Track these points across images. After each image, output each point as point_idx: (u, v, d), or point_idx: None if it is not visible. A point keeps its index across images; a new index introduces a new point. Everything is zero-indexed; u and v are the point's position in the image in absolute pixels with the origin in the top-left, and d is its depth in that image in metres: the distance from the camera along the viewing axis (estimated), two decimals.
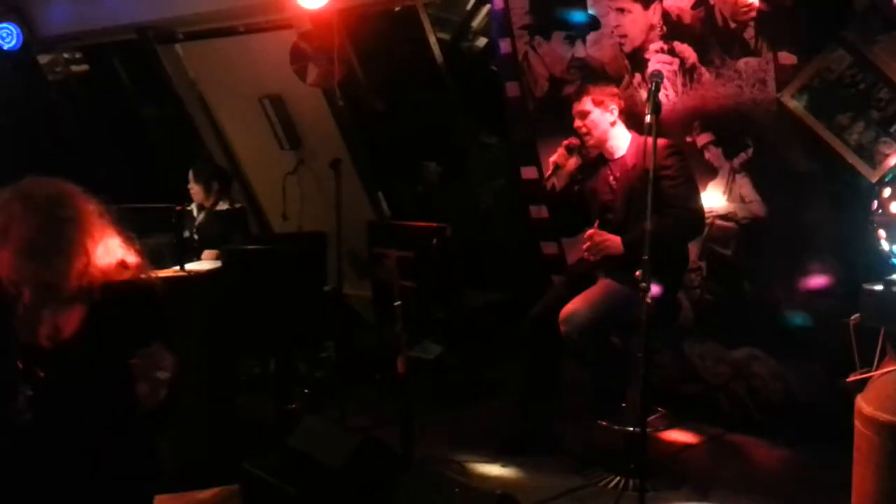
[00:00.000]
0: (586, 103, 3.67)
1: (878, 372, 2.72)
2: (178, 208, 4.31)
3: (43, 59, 7.28)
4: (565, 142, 3.73)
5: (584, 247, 3.67)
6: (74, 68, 7.49)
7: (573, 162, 3.76)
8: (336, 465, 3.05)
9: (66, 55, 7.39)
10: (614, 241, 3.57)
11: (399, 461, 3.29)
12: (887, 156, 3.33)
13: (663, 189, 3.42)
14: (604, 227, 3.69)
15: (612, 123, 3.70)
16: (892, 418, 2.58)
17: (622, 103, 3.72)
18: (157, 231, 4.91)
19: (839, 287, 3.65)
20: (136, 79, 6.97)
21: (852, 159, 3.42)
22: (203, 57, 6.27)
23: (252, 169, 6.58)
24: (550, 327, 3.58)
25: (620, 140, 3.72)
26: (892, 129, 3.32)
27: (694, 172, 3.68)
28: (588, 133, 3.70)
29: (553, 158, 3.75)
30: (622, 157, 3.72)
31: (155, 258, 4.16)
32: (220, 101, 6.43)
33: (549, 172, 3.76)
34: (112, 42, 6.72)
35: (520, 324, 3.81)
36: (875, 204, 2.81)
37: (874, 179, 3.32)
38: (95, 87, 7.41)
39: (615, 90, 3.75)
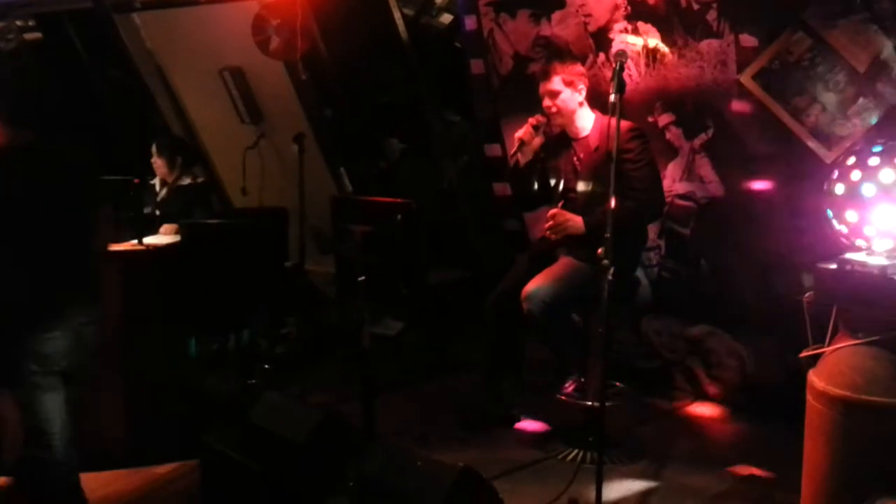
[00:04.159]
0: (556, 83, 3.66)
1: (830, 348, 2.79)
2: (135, 181, 4.22)
3: None
4: (532, 119, 3.73)
5: (547, 226, 3.70)
6: (28, 36, 7.27)
7: (538, 140, 3.77)
8: (298, 439, 3.04)
9: (18, 23, 7.16)
10: (576, 221, 3.61)
11: (361, 436, 3.30)
12: (843, 138, 3.40)
13: (625, 172, 3.45)
14: (567, 206, 3.72)
15: (580, 104, 3.70)
16: (843, 392, 2.66)
17: (588, 83, 3.74)
18: (114, 204, 4.82)
19: (794, 265, 3.74)
20: (91, 48, 6.79)
21: (809, 141, 3.49)
22: (161, 27, 6.13)
23: (211, 142, 6.48)
24: (513, 304, 3.61)
25: (585, 120, 3.74)
26: (848, 112, 3.38)
27: (655, 156, 3.72)
28: (557, 113, 3.70)
29: (519, 134, 3.76)
30: (586, 137, 3.74)
31: (112, 232, 4.12)
32: (179, 72, 6.30)
33: (515, 148, 3.77)
34: (67, 10, 6.53)
35: (483, 301, 3.83)
36: (830, 185, 2.86)
37: (829, 161, 3.39)
38: (49, 56, 7.20)
39: (582, 69, 3.75)
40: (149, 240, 4.12)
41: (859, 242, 2.79)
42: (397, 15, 5.09)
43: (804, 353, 2.89)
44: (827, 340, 2.83)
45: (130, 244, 3.91)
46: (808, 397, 2.81)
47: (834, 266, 2.76)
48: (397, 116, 5.85)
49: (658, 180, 3.67)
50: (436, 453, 3.64)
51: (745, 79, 3.59)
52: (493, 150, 4.72)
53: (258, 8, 5.20)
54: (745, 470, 3.50)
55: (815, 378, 2.79)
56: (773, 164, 3.72)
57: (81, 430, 3.63)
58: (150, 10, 6.08)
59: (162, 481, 3.56)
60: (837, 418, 2.67)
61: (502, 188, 4.76)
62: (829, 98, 3.42)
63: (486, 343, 3.87)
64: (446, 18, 5.70)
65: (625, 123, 3.42)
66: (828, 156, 3.42)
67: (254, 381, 4.20)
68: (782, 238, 3.78)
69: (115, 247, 3.86)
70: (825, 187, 2.86)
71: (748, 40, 3.61)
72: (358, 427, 3.36)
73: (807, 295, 2.84)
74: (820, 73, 3.43)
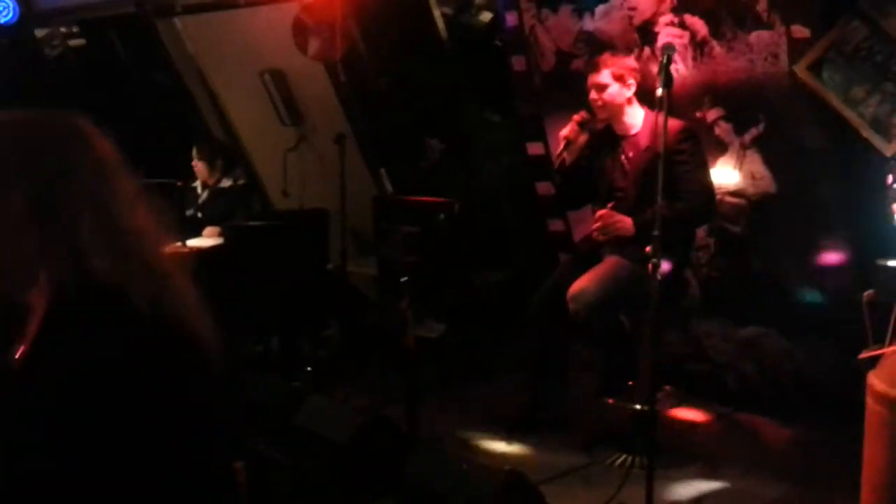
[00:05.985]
0: (605, 76, 3.56)
1: (891, 348, 2.69)
2: (179, 183, 4.25)
3: (39, 33, 7.18)
4: (576, 116, 3.66)
5: (595, 226, 3.63)
6: (72, 42, 7.39)
7: (584, 137, 3.70)
8: (342, 442, 3.02)
9: (63, 29, 7.28)
10: (625, 222, 3.53)
11: (405, 439, 3.26)
12: None
13: (677, 174, 3.36)
14: (615, 206, 3.64)
15: (629, 100, 3.60)
16: None
17: (639, 78, 3.63)
18: (157, 207, 4.86)
19: (851, 263, 3.61)
20: (134, 53, 6.88)
21: (867, 133, 3.37)
22: (202, 31, 6.17)
23: (252, 145, 6.51)
24: (558, 305, 3.54)
25: (635, 117, 3.64)
26: None
27: (707, 156, 3.62)
28: (603, 107, 3.61)
29: (564, 133, 3.68)
30: (635, 135, 3.64)
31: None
32: (220, 76, 6.34)
33: (561, 147, 3.70)
34: (110, 16, 6.62)
35: (528, 302, 3.77)
36: (890, 178, 2.76)
37: (889, 154, 3.27)
38: (93, 61, 7.31)
39: (634, 64, 3.65)
40: (192, 242, 4.14)
41: None
42: (437, 14, 5.05)
43: (863, 355, 2.79)
44: (887, 340, 2.73)
45: (174, 246, 3.93)
46: (868, 400, 2.70)
47: (895, 263, 2.66)
48: (437, 116, 5.81)
49: (710, 182, 3.58)
50: (480, 457, 3.60)
51: (801, 70, 3.48)
52: (536, 148, 4.66)
53: (298, 10, 5.20)
54: None
55: (874, 380, 2.68)
56: (829, 157, 3.60)
57: None
58: (191, 14, 6.13)
59: None
60: None
61: (545, 187, 4.69)
62: (888, 88, 3.30)
63: (531, 345, 3.81)
64: (486, 16, 5.65)
65: (677, 123, 3.33)
66: (887, 148, 3.30)
67: (297, 384, 4.20)
68: (839, 234, 3.65)
69: None
70: (886, 180, 2.76)
71: (800, 31, 3.50)
72: (402, 429, 3.33)
73: (866, 293, 2.75)
74: (878, 62, 3.31)
